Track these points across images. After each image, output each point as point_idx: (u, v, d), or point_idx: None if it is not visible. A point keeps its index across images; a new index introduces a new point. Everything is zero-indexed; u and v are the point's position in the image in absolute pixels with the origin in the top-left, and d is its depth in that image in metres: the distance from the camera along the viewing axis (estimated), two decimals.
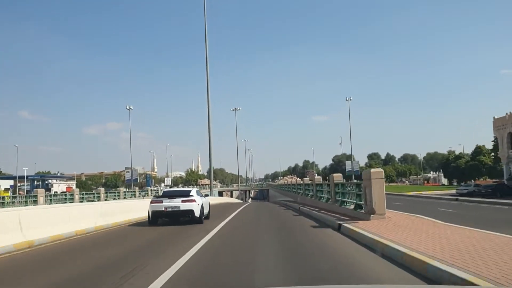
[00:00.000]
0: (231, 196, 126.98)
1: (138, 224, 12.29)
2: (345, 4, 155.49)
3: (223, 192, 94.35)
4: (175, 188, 16.28)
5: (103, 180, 68.55)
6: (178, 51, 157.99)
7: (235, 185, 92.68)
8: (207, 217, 12.94)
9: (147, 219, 11.85)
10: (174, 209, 11.28)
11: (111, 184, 54.61)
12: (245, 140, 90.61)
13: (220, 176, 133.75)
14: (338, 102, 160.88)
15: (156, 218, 11.54)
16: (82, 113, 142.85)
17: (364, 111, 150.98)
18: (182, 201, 11.44)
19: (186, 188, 15.18)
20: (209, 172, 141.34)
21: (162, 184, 71.07)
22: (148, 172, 79.07)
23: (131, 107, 46.20)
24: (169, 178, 72.81)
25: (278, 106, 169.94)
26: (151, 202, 11.87)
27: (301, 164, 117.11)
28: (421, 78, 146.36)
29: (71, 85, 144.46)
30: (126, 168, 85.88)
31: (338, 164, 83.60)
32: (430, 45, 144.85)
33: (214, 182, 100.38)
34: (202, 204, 12.01)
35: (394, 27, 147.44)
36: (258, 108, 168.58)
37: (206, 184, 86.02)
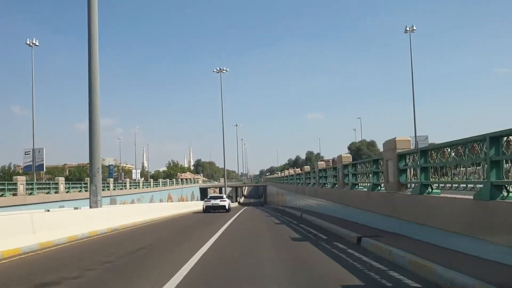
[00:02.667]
0: (220, 193, 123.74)
1: (195, 213, 27.60)
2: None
3: (208, 189, 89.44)
4: (213, 194, 41.53)
5: (66, 173, 66.39)
6: (173, 47, 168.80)
7: (222, 180, 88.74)
8: (230, 209, 27.43)
9: (194, 212, 28.14)
10: (216, 204, 26.02)
11: (73, 178, 52.38)
12: (236, 125, 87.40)
13: (208, 170, 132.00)
14: (335, 99, 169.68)
15: (207, 209, 25.96)
16: (75, 108, 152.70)
17: (360, 107, 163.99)
18: (220, 200, 26.62)
19: (220, 194, 32.53)
20: (196, 165, 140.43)
21: (133, 177, 68.57)
22: (114, 164, 76.56)
23: (36, 42, 38.17)
24: (137, 171, 69.69)
25: (273, 103, 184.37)
26: (205, 201, 27.82)
27: (303, 157, 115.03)
28: (417, 76, 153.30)
29: (65, 80, 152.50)
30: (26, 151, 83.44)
31: (357, 152, 79.29)
32: (427, 43, 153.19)
33: (197, 176, 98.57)
34: (229, 203, 27.55)
35: (390, 25, 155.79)
36: (253, 106, 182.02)
37: (187, 178, 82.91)
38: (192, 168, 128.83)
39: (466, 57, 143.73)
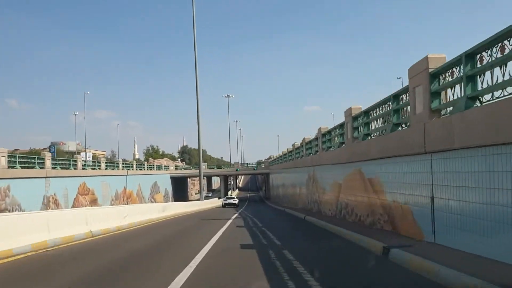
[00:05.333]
0: (209, 186, 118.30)
1: (217, 207, 44.08)
2: None
3: (189, 179, 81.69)
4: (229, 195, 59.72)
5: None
6: (171, 39, 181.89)
7: (216, 170, 79.01)
8: (238, 205, 46.76)
9: (214, 208, 42.06)
10: (230, 202, 47.86)
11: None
12: (228, 95, 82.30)
13: (197, 158, 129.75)
14: (331, 92, 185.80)
15: (225, 205, 46.23)
16: (71, 101, 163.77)
17: (353, 97, 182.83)
18: (232, 200, 49.05)
19: (232, 196, 58.00)
20: (181, 152, 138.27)
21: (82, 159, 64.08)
22: (78, 148, 74.43)
23: None
24: (89, 154, 65.58)
25: (270, 96, 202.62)
26: (223, 200, 50.52)
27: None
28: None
29: (59, 73, 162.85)
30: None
31: None
32: (423, 33, 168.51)
33: (168, 162, 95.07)
34: (238, 201, 50.06)
35: (384, 15, 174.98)
36: (250, 99, 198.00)
37: (163, 165, 75.85)
38: (175, 155, 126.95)
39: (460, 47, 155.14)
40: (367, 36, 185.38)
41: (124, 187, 48.91)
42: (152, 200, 58.11)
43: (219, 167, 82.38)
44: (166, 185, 65.55)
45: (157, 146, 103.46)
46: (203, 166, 73.55)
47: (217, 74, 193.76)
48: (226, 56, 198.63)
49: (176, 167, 79.27)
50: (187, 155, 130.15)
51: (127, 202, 47.67)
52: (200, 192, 47.85)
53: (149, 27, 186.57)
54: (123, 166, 50.95)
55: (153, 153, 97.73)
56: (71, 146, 74.43)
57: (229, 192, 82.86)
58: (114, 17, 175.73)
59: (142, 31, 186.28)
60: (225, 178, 79.55)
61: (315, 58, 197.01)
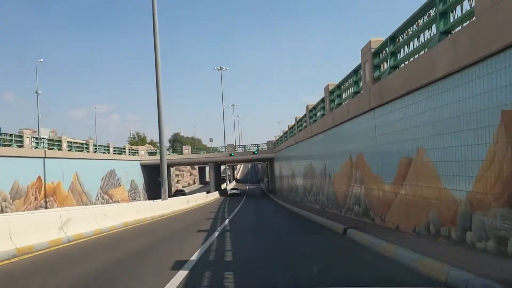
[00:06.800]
0: (202, 178, 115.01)
1: (220, 199, 52.89)
2: None
3: (172, 168, 71.27)
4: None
5: None
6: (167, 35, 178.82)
7: (204, 154, 65.19)
8: (240, 194, 63.26)
9: (217, 200, 49.53)
10: (234, 191, 65.68)
11: None
12: (220, 68, 73.71)
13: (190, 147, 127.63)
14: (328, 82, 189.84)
15: (230, 195, 61.24)
16: (70, 95, 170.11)
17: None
18: (236, 190, 69.29)
19: (235, 187, 79.07)
20: (172, 141, 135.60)
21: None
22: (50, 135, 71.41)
23: None
24: (43, 136, 59.87)
25: (267, 89, 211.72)
26: (229, 190, 69.01)
27: None
28: None
29: (58, 67, 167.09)
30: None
31: None
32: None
33: (145, 147, 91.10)
34: (240, 191, 68.74)
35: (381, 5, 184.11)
36: (248, 91, 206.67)
37: (128, 149, 56.79)
38: (168, 144, 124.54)
39: None
40: (365, 29, 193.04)
41: (39, 176, 32.78)
42: (106, 197, 44.04)
43: (208, 152, 66.49)
44: (134, 176, 52.54)
45: (143, 134, 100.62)
46: (186, 150, 61.53)
47: (217, 68, 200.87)
48: (226, 48, 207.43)
49: (151, 153, 61.44)
50: (179, 144, 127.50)
51: (46, 202, 33.37)
52: (161, 184, 28.48)
53: (148, 26, 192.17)
54: (37, 144, 34.45)
55: (139, 141, 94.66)
56: (44, 133, 71.23)
57: (224, 185, 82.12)
58: (113, 15, 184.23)
59: (142, 30, 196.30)
60: (216, 167, 66.30)
61: (314, 49, 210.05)
